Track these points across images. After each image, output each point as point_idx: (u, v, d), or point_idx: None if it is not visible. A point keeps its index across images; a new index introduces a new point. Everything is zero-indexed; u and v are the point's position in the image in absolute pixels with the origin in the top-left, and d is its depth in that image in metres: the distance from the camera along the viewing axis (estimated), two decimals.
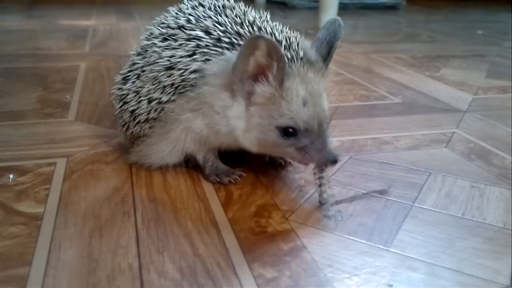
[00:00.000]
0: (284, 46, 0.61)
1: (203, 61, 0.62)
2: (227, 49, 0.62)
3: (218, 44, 0.62)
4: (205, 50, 0.62)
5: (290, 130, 0.59)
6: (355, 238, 0.57)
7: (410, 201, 0.67)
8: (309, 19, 2.52)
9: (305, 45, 0.64)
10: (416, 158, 0.81)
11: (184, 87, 0.63)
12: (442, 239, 0.58)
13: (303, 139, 0.60)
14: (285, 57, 0.57)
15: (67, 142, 0.83)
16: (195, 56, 0.63)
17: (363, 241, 0.57)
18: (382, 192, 0.68)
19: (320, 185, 0.63)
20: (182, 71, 0.63)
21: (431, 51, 1.80)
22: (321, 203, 0.63)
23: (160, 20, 0.73)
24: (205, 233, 0.58)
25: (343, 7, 2.36)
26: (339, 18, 0.65)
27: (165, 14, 0.73)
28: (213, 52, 0.62)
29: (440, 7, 3.48)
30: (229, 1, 0.72)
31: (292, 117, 0.59)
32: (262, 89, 0.59)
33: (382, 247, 0.56)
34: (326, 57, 0.64)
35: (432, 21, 2.77)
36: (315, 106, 0.60)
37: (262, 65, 0.57)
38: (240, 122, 0.62)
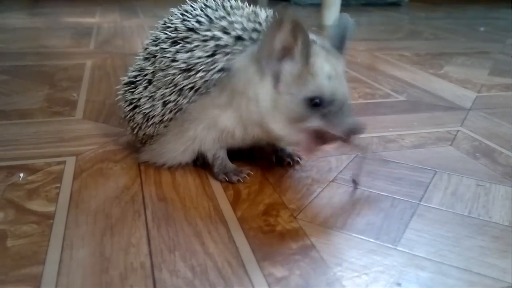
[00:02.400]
0: None
1: (226, 60, 0.63)
2: (248, 46, 0.63)
3: (238, 42, 0.63)
4: (226, 50, 0.63)
5: (317, 101, 0.61)
6: (363, 237, 0.58)
7: (417, 199, 0.67)
8: (312, 16, 2.52)
9: (321, 39, 0.66)
10: (421, 157, 0.81)
11: (206, 88, 0.64)
12: (449, 237, 0.59)
13: (328, 110, 0.61)
14: (308, 34, 0.59)
15: (75, 140, 0.84)
16: (216, 56, 0.63)
17: (371, 239, 0.58)
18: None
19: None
20: (203, 73, 0.63)
21: (434, 48, 1.80)
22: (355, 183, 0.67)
23: (165, 24, 0.72)
24: (215, 231, 0.58)
25: (345, 3, 2.36)
26: (347, 15, 0.66)
27: (169, 17, 0.73)
28: (235, 50, 0.63)
29: (441, 4, 3.47)
30: (236, 1, 0.72)
31: (318, 89, 0.60)
32: (290, 66, 0.61)
33: (390, 245, 0.57)
34: (340, 48, 0.65)
35: (434, 18, 2.77)
36: (339, 81, 0.62)
37: (288, 43, 0.59)
38: (268, 102, 0.63)
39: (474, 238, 0.59)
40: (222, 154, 0.72)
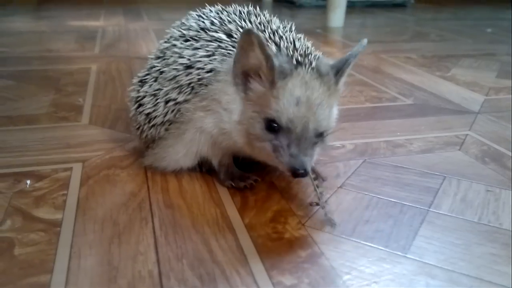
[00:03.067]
0: (300, 54, 0.61)
1: (220, 61, 0.63)
2: None
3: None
4: (223, 51, 0.64)
5: (274, 125, 0.58)
6: (372, 244, 0.58)
7: (426, 206, 0.67)
8: (317, 18, 2.51)
9: (323, 60, 0.63)
10: (430, 162, 0.80)
11: (199, 86, 0.64)
12: (459, 245, 0.58)
13: (282, 138, 0.58)
14: (272, 57, 0.57)
15: (82, 146, 0.84)
16: (214, 57, 0.64)
17: (380, 247, 0.57)
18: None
19: (317, 187, 0.64)
20: (200, 70, 0.64)
21: (440, 50, 1.79)
22: (321, 206, 0.63)
23: (181, 23, 0.74)
24: (223, 239, 0.58)
25: (350, 5, 2.35)
26: (366, 40, 0.64)
27: (187, 16, 0.75)
28: (231, 53, 0.63)
29: (447, 5, 3.46)
30: (256, 9, 0.72)
31: (278, 111, 0.58)
32: (255, 86, 0.60)
33: (400, 253, 0.56)
34: (338, 71, 0.62)
35: (440, 19, 2.75)
36: (308, 110, 0.58)
37: (256, 62, 0.58)
38: (236, 114, 0.63)
39: (484, 245, 0.58)
40: (228, 160, 0.72)
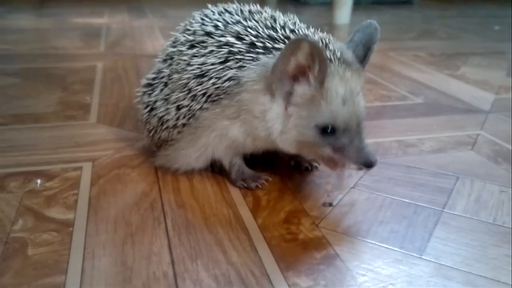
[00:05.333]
0: (322, 46, 0.60)
1: (237, 68, 0.61)
2: (261, 53, 0.61)
3: (251, 49, 0.62)
4: (238, 56, 0.62)
5: (329, 129, 0.59)
6: (387, 246, 0.57)
7: (440, 206, 0.66)
8: (322, 15, 2.50)
9: (342, 47, 0.63)
10: (442, 162, 0.80)
11: (218, 95, 0.63)
12: (475, 246, 0.58)
13: (342, 138, 0.59)
14: (328, 59, 0.57)
15: (91, 145, 0.83)
16: (228, 63, 0.62)
17: (396, 248, 0.57)
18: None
19: None
20: (215, 79, 0.62)
21: (449, 48, 1.77)
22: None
23: (185, 27, 0.72)
24: (237, 240, 0.58)
25: (356, 2, 2.33)
26: (374, 22, 0.64)
27: (190, 20, 0.73)
28: (247, 58, 0.61)
29: (453, 2, 3.43)
30: (255, 6, 0.71)
31: (331, 116, 0.59)
32: (302, 89, 0.59)
33: (415, 255, 0.55)
34: (363, 59, 0.63)
35: (446, 16, 2.73)
36: (354, 105, 0.59)
37: (303, 65, 0.57)
38: (277, 123, 0.61)
39: (500, 246, 0.58)
40: (239, 160, 0.71)
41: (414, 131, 0.93)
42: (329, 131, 0.59)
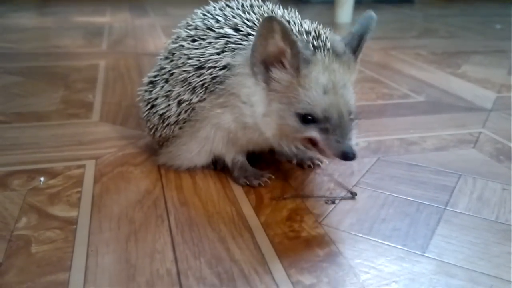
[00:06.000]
0: (313, 36, 0.61)
1: (232, 56, 0.62)
2: None
3: (246, 38, 0.62)
4: (233, 45, 0.62)
5: (309, 117, 0.58)
6: (390, 243, 0.57)
7: (443, 204, 0.66)
8: (324, 14, 2.50)
9: (335, 38, 0.63)
10: (444, 160, 0.80)
11: (214, 85, 0.63)
12: (477, 244, 0.58)
13: (321, 128, 0.58)
14: (298, 43, 0.56)
15: (94, 143, 0.83)
16: (224, 53, 0.62)
17: (398, 246, 0.57)
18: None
19: None
20: (212, 69, 0.63)
21: (450, 46, 1.77)
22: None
23: (187, 23, 0.72)
24: (240, 237, 0.58)
25: (358, 1, 2.33)
26: (373, 12, 0.63)
27: (192, 16, 0.73)
28: (241, 46, 0.62)
29: (454, 1, 3.43)
30: (257, 1, 0.71)
31: (310, 104, 0.58)
32: (279, 75, 0.59)
33: (418, 252, 0.56)
34: (356, 48, 0.62)
35: (448, 15, 2.73)
36: (336, 95, 0.58)
37: (278, 50, 0.57)
38: (260, 106, 0.61)
39: (503, 244, 0.58)
40: (241, 158, 0.71)
41: (416, 129, 0.93)
42: (309, 119, 0.58)
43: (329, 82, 0.58)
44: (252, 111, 0.62)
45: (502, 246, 0.57)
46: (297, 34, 0.60)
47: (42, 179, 0.70)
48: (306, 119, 0.58)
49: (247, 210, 0.64)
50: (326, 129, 0.58)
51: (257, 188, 0.69)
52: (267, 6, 0.70)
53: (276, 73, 0.59)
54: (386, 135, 0.90)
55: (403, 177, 0.74)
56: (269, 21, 0.54)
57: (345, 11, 2.23)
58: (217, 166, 0.74)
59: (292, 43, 0.55)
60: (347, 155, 0.56)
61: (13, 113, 0.97)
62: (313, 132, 0.59)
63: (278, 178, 0.72)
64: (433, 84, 1.25)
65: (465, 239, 0.59)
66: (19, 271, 0.51)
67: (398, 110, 1.05)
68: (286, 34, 0.55)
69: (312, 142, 0.60)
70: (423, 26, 2.27)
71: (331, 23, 2.22)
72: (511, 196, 0.69)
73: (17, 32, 1.86)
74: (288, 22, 0.63)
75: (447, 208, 0.65)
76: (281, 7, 0.71)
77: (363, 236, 0.59)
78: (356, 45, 0.62)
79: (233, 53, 0.62)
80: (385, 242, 0.57)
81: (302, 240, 0.57)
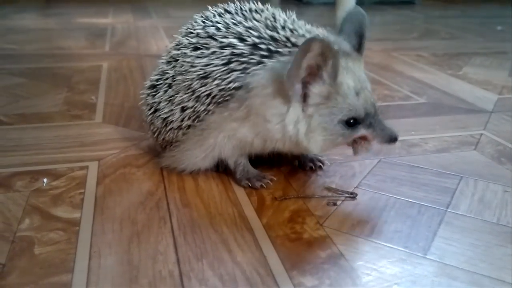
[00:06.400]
0: None
1: (241, 70, 0.62)
2: (265, 56, 0.61)
3: (254, 51, 0.62)
4: (241, 58, 0.62)
5: (352, 121, 0.62)
6: (391, 245, 0.57)
7: (444, 206, 0.66)
8: (325, 15, 2.50)
9: (337, 38, 0.64)
10: (446, 161, 0.80)
11: (222, 97, 0.63)
12: (479, 246, 0.58)
13: (366, 125, 0.63)
14: (338, 54, 0.58)
15: (97, 145, 0.84)
16: (231, 65, 0.62)
17: (400, 248, 0.57)
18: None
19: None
20: (219, 81, 0.63)
21: (451, 48, 1.77)
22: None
23: (188, 30, 0.72)
24: (242, 239, 0.58)
25: (358, 2, 2.33)
26: (360, 8, 0.65)
27: (192, 23, 0.72)
28: (251, 61, 0.62)
29: (455, 2, 3.43)
30: (255, 4, 0.71)
31: (350, 109, 0.61)
32: (318, 89, 0.60)
33: (420, 254, 0.56)
34: (358, 47, 0.65)
35: (449, 17, 2.73)
36: (365, 92, 0.62)
37: (315, 65, 0.58)
38: (300, 126, 0.62)
39: (504, 246, 0.58)
40: (244, 160, 0.72)
41: (417, 131, 0.93)
42: (353, 122, 0.62)
43: (357, 83, 0.62)
44: (283, 130, 0.63)
45: (503, 249, 0.58)
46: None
47: (45, 180, 0.71)
48: (350, 122, 0.62)
49: (249, 211, 0.64)
50: (370, 123, 0.63)
51: (259, 190, 0.69)
52: (267, 10, 0.70)
53: (314, 87, 0.60)
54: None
55: (404, 179, 0.74)
56: (311, 42, 0.55)
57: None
58: (219, 168, 0.74)
59: (334, 55, 0.57)
60: (395, 138, 0.64)
61: (16, 114, 0.97)
62: (362, 131, 0.64)
63: (279, 180, 0.72)
64: (434, 86, 1.25)
65: (467, 241, 0.59)
66: (22, 273, 0.51)
67: (399, 111, 1.05)
68: (329, 48, 0.56)
69: (363, 139, 0.65)
70: (424, 28, 2.27)
71: (332, 25, 2.22)
72: None
73: (20, 33, 1.87)
74: (292, 31, 0.64)
75: (448, 210, 0.65)
76: (281, 10, 0.70)
77: (365, 238, 0.59)
78: (357, 44, 0.65)
79: (241, 66, 0.62)
80: (387, 244, 0.58)
81: (304, 242, 0.58)
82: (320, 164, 0.76)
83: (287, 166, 0.77)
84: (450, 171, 0.77)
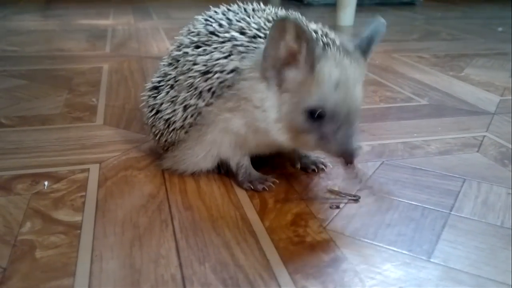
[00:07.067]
0: (321, 34, 0.61)
1: (239, 60, 0.61)
2: (263, 43, 0.61)
3: (253, 40, 0.62)
4: (240, 48, 0.62)
5: (318, 113, 0.57)
6: (395, 249, 0.57)
7: (447, 209, 0.66)
8: (326, 17, 2.50)
9: (344, 38, 0.64)
10: (449, 164, 0.80)
11: (221, 89, 0.63)
12: (484, 249, 0.57)
13: (328, 125, 0.58)
14: (314, 38, 0.56)
15: (98, 147, 0.83)
16: (232, 56, 0.62)
17: (404, 251, 0.56)
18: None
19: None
20: (219, 73, 0.62)
21: (452, 49, 1.77)
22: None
23: (189, 30, 0.72)
24: (244, 242, 0.58)
25: (360, 3, 2.33)
26: (382, 19, 0.63)
27: (193, 23, 0.72)
28: (250, 49, 0.61)
29: (456, 3, 3.43)
30: (259, 5, 0.71)
31: (321, 98, 0.57)
32: (293, 74, 0.58)
33: (424, 258, 0.55)
34: (366, 49, 0.62)
35: (450, 18, 2.73)
36: (347, 91, 0.58)
37: (292, 49, 0.56)
38: (273, 112, 0.61)
39: (509, 249, 0.58)
40: (246, 162, 0.71)
41: (419, 132, 0.93)
42: (316, 115, 0.57)
43: (341, 77, 0.57)
44: (265, 116, 0.61)
45: (508, 252, 0.57)
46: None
47: (46, 183, 0.70)
48: (315, 115, 0.57)
49: (251, 214, 0.64)
50: (332, 126, 0.57)
51: (261, 193, 0.69)
52: (269, 9, 0.70)
53: (290, 72, 0.58)
54: (390, 138, 0.90)
55: (407, 182, 0.73)
56: (281, 22, 0.54)
57: (347, 14, 2.23)
58: (221, 170, 0.74)
59: (308, 39, 0.55)
60: (348, 158, 0.57)
61: (17, 117, 0.97)
62: (323, 129, 0.58)
63: (282, 183, 0.72)
64: (436, 87, 1.25)
65: (471, 244, 0.58)
66: (24, 276, 0.51)
67: (401, 113, 1.05)
68: (301, 30, 0.54)
69: (316, 143, 0.60)
70: (425, 29, 2.27)
71: (333, 26, 2.22)
72: None
73: (20, 35, 1.87)
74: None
75: (452, 212, 0.65)
76: (283, 9, 0.71)
77: (368, 241, 0.58)
78: (365, 46, 0.63)
79: (240, 55, 0.62)
80: (391, 248, 0.57)
81: (307, 245, 0.57)
82: (323, 166, 0.76)
83: (290, 169, 0.77)
84: (453, 173, 0.76)
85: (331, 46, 0.59)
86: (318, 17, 2.57)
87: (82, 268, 0.52)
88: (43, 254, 0.54)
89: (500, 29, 2.28)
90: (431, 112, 1.06)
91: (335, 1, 2.29)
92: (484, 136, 0.92)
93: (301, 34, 0.54)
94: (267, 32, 0.61)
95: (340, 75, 0.57)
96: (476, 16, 2.83)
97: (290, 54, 0.57)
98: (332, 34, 0.63)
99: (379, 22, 0.63)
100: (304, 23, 0.58)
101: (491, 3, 3.40)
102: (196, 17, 0.73)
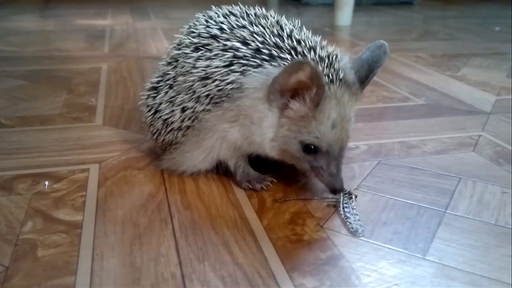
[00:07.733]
0: (326, 64, 0.62)
1: (240, 72, 0.62)
2: (266, 60, 0.62)
3: (257, 55, 0.62)
4: (242, 61, 0.62)
5: (312, 147, 0.62)
6: (391, 247, 0.58)
7: (443, 207, 0.67)
8: (324, 16, 2.51)
9: (346, 64, 0.65)
10: (444, 163, 0.81)
11: (220, 97, 0.64)
12: (478, 247, 0.58)
13: (321, 159, 0.63)
14: (325, 86, 0.59)
15: (97, 147, 0.84)
16: (232, 67, 0.63)
17: (399, 249, 0.57)
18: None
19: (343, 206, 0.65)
20: (218, 82, 0.63)
21: (450, 49, 1.78)
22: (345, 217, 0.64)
23: (189, 29, 0.72)
24: (243, 241, 0.58)
25: (357, 3, 2.34)
26: (386, 44, 0.64)
27: (194, 22, 0.73)
28: (251, 63, 0.62)
29: (453, 3, 3.44)
30: (261, 10, 0.71)
31: (318, 137, 0.61)
32: (297, 106, 0.61)
33: (419, 255, 0.56)
34: (365, 79, 0.64)
35: (447, 17, 2.75)
36: (342, 130, 0.62)
37: (302, 85, 0.58)
38: (270, 131, 0.63)
39: (503, 247, 0.59)
40: (244, 162, 0.72)
41: (416, 132, 0.94)
42: (311, 149, 0.62)
43: (338, 117, 0.61)
44: (261, 133, 0.64)
45: (502, 249, 0.58)
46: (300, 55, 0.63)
47: (46, 183, 0.71)
48: (309, 148, 0.62)
49: (250, 213, 0.64)
50: (324, 161, 0.63)
51: (259, 192, 0.70)
52: (272, 16, 0.69)
53: (295, 104, 0.61)
54: (386, 138, 0.91)
55: (403, 181, 0.74)
56: (299, 63, 0.56)
57: (345, 13, 2.24)
58: (220, 170, 0.75)
59: (321, 86, 0.57)
60: (337, 189, 0.64)
61: (17, 117, 0.98)
62: (315, 162, 0.63)
63: (280, 182, 0.73)
64: (433, 87, 1.26)
65: (466, 242, 0.59)
66: (26, 275, 0.52)
67: (398, 113, 1.06)
68: (318, 76, 0.56)
69: (308, 171, 0.66)
70: (423, 28, 2.28)
71: (331, 26, 2.23)
72: (511, 199, 0.69)
73: (19, 35, 1.87)
74: (299, 42, 0.64)
75: (447, 211, 0.66)
76: (286, 20, 0.70)
77: (365, 239, 0.59)
78: (364, 76, 0.65)
79: (241, 68, 0.62)
80: (386, 245, 0.58)
81: (305, 244, 0.58)
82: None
83: (288, 168, 0.77)
84: (449, 172, 0.77)
85: (335, 81, 0.61)
86: (315, 16, 2.58)
87: (83, 267, 0.53)
88: (44, 253, 0.55)
89: (497, 28, 2.29)
90: (428, 111, 1.07)
91: (333, 1, 2.30)
92: (480, 135, 0.93)
93: (315, 79, 0.57)
94: (272, 48, 0.62)
95: (338, 115, 0.61)
96: (474, 16, 2.85)
97: (299, 88, 0.59)
98: (337, 63, 0.63)
99: (382, 49, 0.64)
100: (320, 69, 0.60)
101: (488, 3, 3.41)
102: (197, 15, 0.74)
